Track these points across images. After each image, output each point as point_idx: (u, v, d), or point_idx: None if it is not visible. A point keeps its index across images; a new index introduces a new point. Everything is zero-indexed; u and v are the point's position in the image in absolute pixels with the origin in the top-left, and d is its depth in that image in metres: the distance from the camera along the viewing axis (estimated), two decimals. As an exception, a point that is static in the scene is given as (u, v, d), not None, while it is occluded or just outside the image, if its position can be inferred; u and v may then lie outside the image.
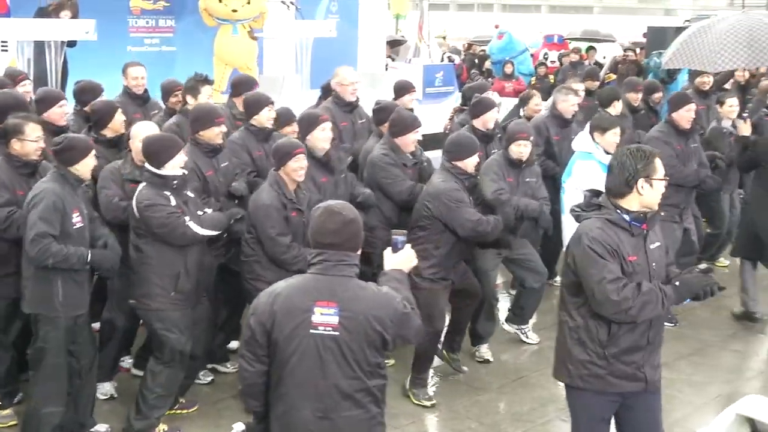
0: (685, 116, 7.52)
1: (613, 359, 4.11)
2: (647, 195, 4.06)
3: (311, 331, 3.54)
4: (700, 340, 7.40)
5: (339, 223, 3.59)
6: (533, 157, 6.91)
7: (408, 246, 3.89)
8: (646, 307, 3.99)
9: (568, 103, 7.99)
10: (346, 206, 3.72)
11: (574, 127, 7.93)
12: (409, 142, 6.62)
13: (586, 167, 6.95)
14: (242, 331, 3.85)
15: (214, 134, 5.98)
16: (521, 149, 6.63)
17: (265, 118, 6.45)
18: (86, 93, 6.91)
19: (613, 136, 6.99)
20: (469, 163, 6.04)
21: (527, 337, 7.28)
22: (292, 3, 10.84)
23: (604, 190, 4.21)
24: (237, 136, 6.53)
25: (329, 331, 3.53)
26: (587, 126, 7.27)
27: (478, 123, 7.20)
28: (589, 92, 9.69)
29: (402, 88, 8.11)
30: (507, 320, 7.34)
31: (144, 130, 5.69)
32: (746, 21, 9.43)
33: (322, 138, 6.16)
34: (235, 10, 10.08)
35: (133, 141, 5.69)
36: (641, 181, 4.03)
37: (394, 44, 17.37)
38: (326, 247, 3.58)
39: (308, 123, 6.22)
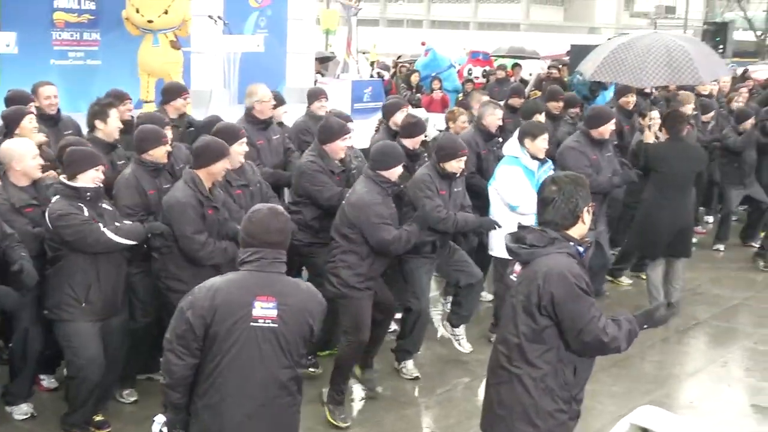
0: (608, 129, 7.88)
1: (574, 401, 3.96)
2: (586, 223, 3.98)
3: (251, 323, 3.79)
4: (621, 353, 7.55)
5: (283, 223, 3.94)
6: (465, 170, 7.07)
7: None
8: (631, 338, 3.97)
9: (495, 117, 8.15)
10: (281, 208, 4.08)
11: (498, 141, 8.11)
12: (337, 149, 6.66)
13: (510, 171, 7.14)
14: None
15: (161, 153, 6.03)
16: (461, 164, 6.74)
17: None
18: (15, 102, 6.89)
19: (542, 142, 7.16)
20: (394, 173, 6.06)
21: (460, 345, 7.18)
22: (219, 18, 10.79)
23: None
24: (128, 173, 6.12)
25: (268, 323, 3.81)
26: (516, 131, 7.42)
27: (408, 143, 7.27)
28: (514, 109, 9.87)
29: (312, 95, 8.36)
30: (447, 320, 7.25)
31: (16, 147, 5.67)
32: (662, 40, 9.99)
33: (240, 152, 6.18)
34: (150, 21, 9.95)
35: (10, 163, 5.62)
36: (584, 210, 3.94)
37: (324, 60, 17.41)
38: (264, 245, 3.86)
39: (229, 136, 6.19)
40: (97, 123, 6.65)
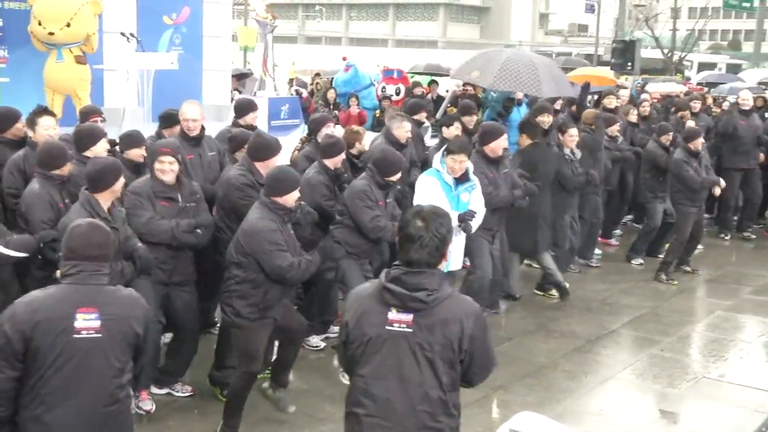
0: (501, 145, 8.07)
1: None
2: (448, 260, 3.87)
3: (74, 336, 3.87)
4: (535, 363, 7.73)
5: (104, 237, 4.06)
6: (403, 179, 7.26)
7: None
8: None
9: (403, 129, 8.29)
10: (101, 222, 4.32)
11: (408, 152, 8.27)
12: (270, 166, 6.56)
13: (427, 181, 7.30)
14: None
15: (65, 171, 6.01)
16: (398, 174, 7.03)
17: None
18: None
19: (459, 163, 7.27)
20: (289, 199, 5.88)
21: None
22: (132, 35, 10.69)
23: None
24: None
25: (92, 334, 3.90)
26: (443, 148, 7.57)
27: (329, 163, 7.32)
28: (419, 123, 10.06)
29: (245, 108, 8.36)
30: None
31: None
32: (535, 57, 11.53)
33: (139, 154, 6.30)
34: (52, 33, 9.76)
35: None
36: (447, 247, 3.75)
37: (241, 77, 17.35)
38: (85, 258, 3.96)
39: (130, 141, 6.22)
40: None
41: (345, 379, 6.62)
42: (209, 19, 13.43)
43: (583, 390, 7.25)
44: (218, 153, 7.74)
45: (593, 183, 9.76)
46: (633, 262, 11.20)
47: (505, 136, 8.18)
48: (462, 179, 7.34)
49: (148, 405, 6.31)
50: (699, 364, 7.97)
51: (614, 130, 11.10)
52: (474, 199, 7.44)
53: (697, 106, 13.29)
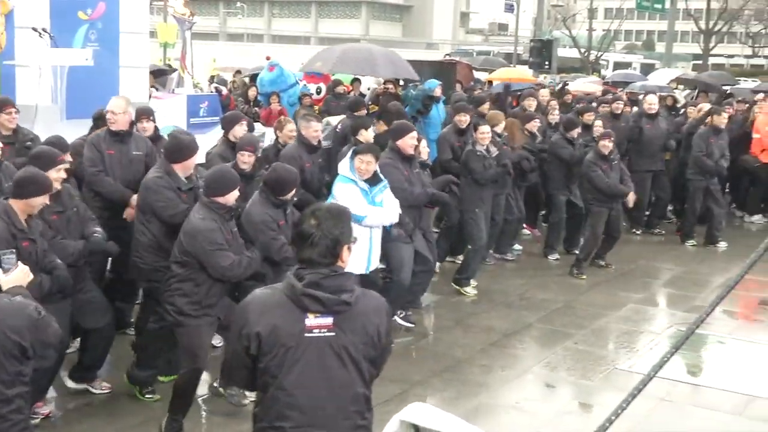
0: (409, 143, 8.12)
1: None
2: (345, 262, 3.65)
3: None
4: (453, 357, 7.85)
5: None
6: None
7: (19, 263, 4.16)
8: None
9: (311, 129, 8.32)
10: None
11: (322, 152, 8.31)
12: (188, 166, 6.59)
13: (347, 188, 7.35)
14: None
15: None
16: (293, 191, 6.77)
17: None
18: None
19: (368, 165, 7.36)
20: (230, 198, 5.93)
21: None
22: (44, 31, 10.46)
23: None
24: None
25: None
26: (350, 151, 7.61)
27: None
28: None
29: (230, 121, 8.30)
30: None
31: None
32: (373, 47, 13.81)
33: (56, 178, 5.96)
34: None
35: None
36: (345, 248, 3.62)
37: (159, 74, 17.10)
38: None
39: (46, 162, 5.94)
40: None
41: (240, 399, 6.53)
42: (126, 15, 13.19)
43: (499, 384, 7.39)
44: (146, 155, 7.56)
45: (508, 173, 9.91)
46: (549, 257, 11.44)
47: (413, 134, 8.24)
48: (374, 181, 7.42)
49: (45, 409, 6.22)
50: (611, 356, 8.19)
51: (534, 126, 11.33)
52: (387, 198, 7.55)
53: (619, 106, 13.60)
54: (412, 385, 7.10)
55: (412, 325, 8.43)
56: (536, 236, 12.43)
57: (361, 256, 7.40)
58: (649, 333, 8.83)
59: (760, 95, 15.88)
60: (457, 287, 9.74)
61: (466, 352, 7.99)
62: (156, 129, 8.13)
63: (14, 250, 4.24)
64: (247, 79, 20.16)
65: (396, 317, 8.24)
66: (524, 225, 12.10)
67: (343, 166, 7.51)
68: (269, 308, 3.58)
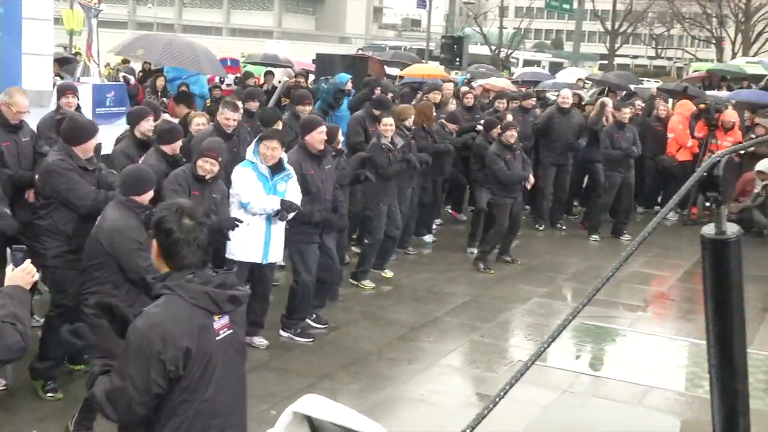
0: (317, 138, 7.97)
1: None
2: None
3: None
4: (360, 351, 7.89)
5: None
6: (221, 173, 7.08)
7: (28, 261, 3.80)
8: None
9: (223, 116, 8.27)
10: None
11: (236, 141, 8.26)
12: (88, 149, 6.44)
13: (243, 172, 7.33)
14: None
15: None
16: (207, 165, 6.81)
17: None
18: None
19: (272, 151, 7.34)
20: (146, 197, 5.79)
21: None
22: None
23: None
24: None
25: None
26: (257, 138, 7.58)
27: (166, 149, 7.21)
28: (250, 113, 10.05)
29: (137, 116, 8.02)
30: None
31: None
32: (192, 41, 14.47)
33: None
34: None
35: None
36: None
37: (63, 62, 16.68)
38: None
39: None
40: None
41: None
42: (29, 0, 12.83)
43: (406, 377, 7.46)
44: (31, 138, 7.59)
45: (413, 168, 10.01)
46: (468, 250, 11.58)
47: (322, 128, 8.04)
48: (277, 169, 7.39)
49: None
50: (516, 349, 8.36)
51: (453, 127, 11.56)
52: (290, 189, 7.49)
53: (531, 102, 13.87)
54: (320, 378, 7.11)
55: (324, 326, 8.38)
56: (461, 220, 12.98)
57: (256, 245, 7.36)
58: (554, 326, 9.00)
59: (654, 91, 16.45)
60: (355, 282, 9.74)
61: (373, 346, 8.04)
62: (78, 106, 8.17)
63: (24, 248, 3.92)
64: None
65: (307, 320, 8.26)
66: (451, 211, 13.17)
67: (249, 150, 7.48)
68: (182, 321, 3.45)
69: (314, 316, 8.36)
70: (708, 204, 1.46)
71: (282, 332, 8.06)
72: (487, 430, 6.34)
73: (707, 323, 1.43)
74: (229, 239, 7.22)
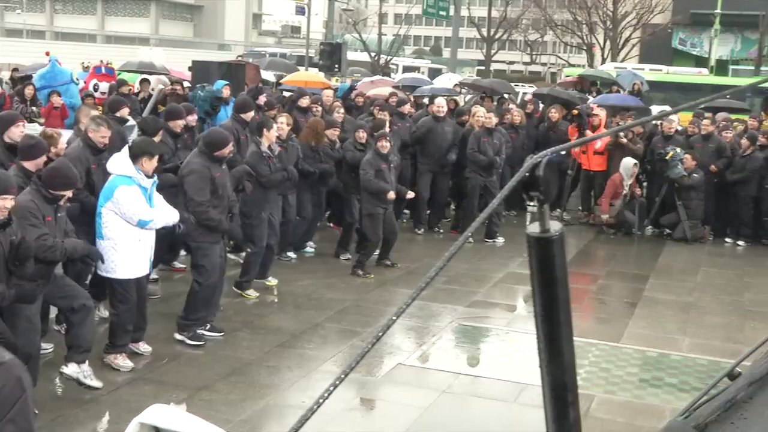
0: (223, 153, 8.18)
1: None
2: None
3: None
4: (240, 360, 7.81)
5: None
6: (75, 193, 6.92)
7: None
8: None
9: (99, 133, 8.05)
10: None
11: (107, 156, 8.08)
12: None
13: (130, 191, 7.14)
14: None
15: None
16: (69, 191, 6.67)
17: None
18: None
19: (155, 163, 7.26)
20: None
21: (91, 380, 6.88)
22: None
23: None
24: None
25: None
26: (124, 149, 7.38)
27: (29, 165, 6.95)
28: (123, 121, 9.85)
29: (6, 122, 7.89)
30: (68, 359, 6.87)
31: None
32: None
33: None
34: None
35: None
36: None
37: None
38: None
39: None
40: None
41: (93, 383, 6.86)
42: None
43: (287, 384, 7.42)
44: None
45: (293, 180, 10.02)
46: (341, 257, 11.62)
47: (231, 143, 8.34)
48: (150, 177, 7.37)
49: None
50: (397, 352, 8.42)
51: (333, 135, 11.53)
52: (156, 196, 7.50)
53: (405, 108, 14.05)
54: (197, 390, 7.01)
55: (220, 334, 8.34)
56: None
57: (144, 257, 7.32)
58: (433, 328, 9.16)
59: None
60: (239, 291, 9.67)
61: (253, 354, 7.98)
62: None
63: None
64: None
65: (202, 330, 8.20)
66: (331, 224, 13.12)
67: (124, 165, 7.25)
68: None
69: (208, 326, 8.29)
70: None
71: (177, 335, 8.08)
72: (365, 434, 6.30)
73: (536, 320, 1.48)
74: (103, 262, 7.11)
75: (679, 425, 1.70)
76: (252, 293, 9.69)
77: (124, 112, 9.97)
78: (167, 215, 7.48)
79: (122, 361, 7.37)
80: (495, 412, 7.15)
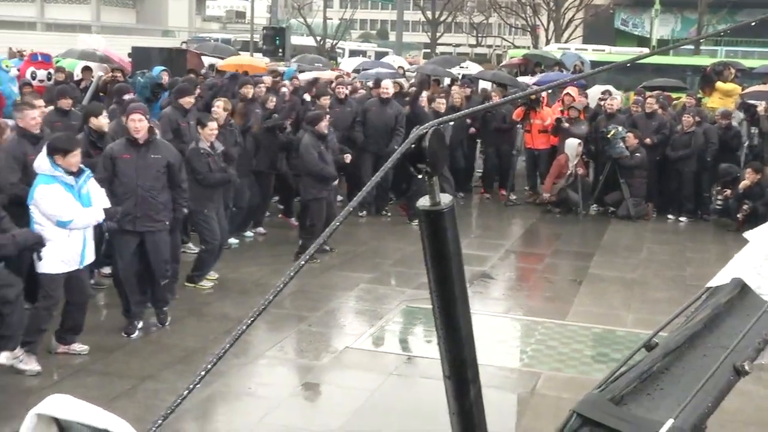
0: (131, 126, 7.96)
1: None
2: None
3: None
4: (185, 348, 7.73)
5: None
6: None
7: None
8: None
9: (26, 118, 7.83)
10: None
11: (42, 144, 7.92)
12: None
13: (50, 191, 6.88)
14: None
15: None
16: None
17: None
18: None
19: (76, 158, 6.99)
20: None
21: (25, 364, 6.86)
22: None
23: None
24: None
25: None
26: (45, 147, 7.06)
27: None
28: (64, 112, 9.63)
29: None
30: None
31: None
32: None
33: None
34: None
35: None
36: None
37: None
38: None
39: None
40: None
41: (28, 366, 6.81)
42: None
43: (233, 371, 7.35)
44: None
45: (231, 180, 9.89)
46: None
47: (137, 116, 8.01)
48: (78, 173, 7.07)
49: None
50: (344, 336, 8.40)
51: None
52: (93, 189, 7.21)
53: (342, 91, 13.97)
54: (142, 379, 6.92)
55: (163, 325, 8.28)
56: (292, 225, 12.51)
57: (74, 254, 7.08)
58: (380, 311, 9.15)
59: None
60: (192, 285, 9.54)
61: (199, 342, 7.90)
62: None
63: None
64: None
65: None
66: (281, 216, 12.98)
67: (43, 163, 6.94)
68: None
69: (163, 316, 8.24)
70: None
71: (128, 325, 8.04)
72: (314, 419, 6.41)
73: (431, 294, 1.44)
74: (41, 259, 6.86)
75: (595, 398, 1.69)
76: (206, 284, 9.61)
77: (67, 102, 9.79)
78: (89, 216, 7.10)
79: (28, 364, 6.97)
80: (443, 392, 7.14)
